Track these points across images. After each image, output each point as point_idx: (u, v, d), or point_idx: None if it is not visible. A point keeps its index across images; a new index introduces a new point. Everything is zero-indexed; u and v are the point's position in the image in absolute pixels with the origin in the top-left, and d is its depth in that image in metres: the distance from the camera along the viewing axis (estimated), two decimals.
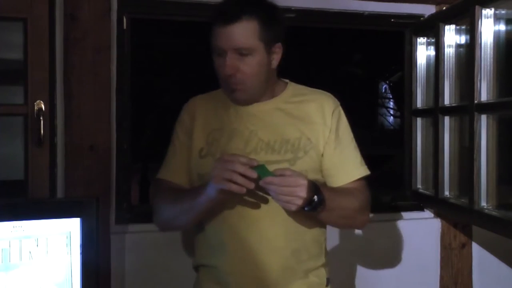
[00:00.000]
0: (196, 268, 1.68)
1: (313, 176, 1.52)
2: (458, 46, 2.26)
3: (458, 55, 2.26)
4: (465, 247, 2.53)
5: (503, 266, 2.55)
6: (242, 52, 1.50)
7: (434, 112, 2.29)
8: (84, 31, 2.05)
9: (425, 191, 2.45)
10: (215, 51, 1.54)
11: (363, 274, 2.44)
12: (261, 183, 1.39)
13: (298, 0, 2.33)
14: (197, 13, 2.28)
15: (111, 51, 2.11)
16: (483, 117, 1.97)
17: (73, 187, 2.03)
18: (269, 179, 1.39)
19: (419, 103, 2.48)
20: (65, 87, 2.03)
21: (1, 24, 1.99)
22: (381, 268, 2.47)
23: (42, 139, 1.92)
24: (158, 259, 2.21)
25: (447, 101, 2.24)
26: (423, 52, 2.48)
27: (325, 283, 1.64)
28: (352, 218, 1.60)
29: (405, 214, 2.50)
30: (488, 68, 1.96)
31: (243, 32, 1.49)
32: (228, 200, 1.49)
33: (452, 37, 2.26)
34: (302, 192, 1.39)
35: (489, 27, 1.96)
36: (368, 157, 1.66)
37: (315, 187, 1.45)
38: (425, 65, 2.48)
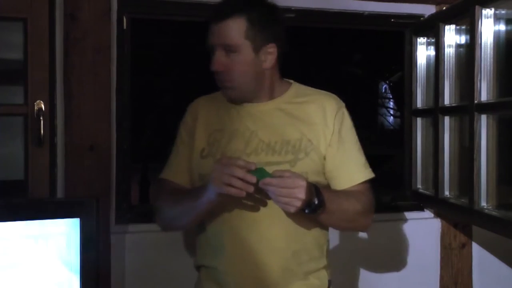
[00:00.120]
0: (198, 268, 1.68)
1: (314, 178, 1.51)
2: (458, 46, 2.26)
3: (458, 55, 2.26)
4: (465, 247, 2.52)
5: (503, 266, 2.55)
6: (229, 50, 1.52)
7: (434, 112, 2.29)
8: (84, 31, 2.05)
9: (425, 191, 2.45)
10: (208, 48, 1.58)
11: (363, 274, 2.44)
12: (260, 184, 1.39)
13: (298, 0, 2.33)
14: (197, 13, 2.28)
15: (111, 51, 2.11)
16: (483, 117, 1.97)
17: (73, 187, 2.03)
18: (267, 180, 1.38)
19: (419, 103, 2.48)
20: (65, 87, 2.03)
21: (1, 24, 1.99)
22: (381, 268, 2.46)
23: (42, 139, 1.92)
24: (158, 259, 2.21)
25: (447, 101, 2.24)
26: (423, 52, 2.48)
27: (326, 285, 1.63)
28: (354, 221, 1.59)
29: (405, 214, 2.50)
30: (488, 68, 1.96)
31: (230, 30, 1.51)
32: (229, 201, 1.49)
33: (452, 37, 2.26)
34: (301, 194, 1.37)
35: (489, 27, 1.96)
36: (368, 157, 1.66)
37: (316, 189, 1.44)
38: (425, 65, 2.48)
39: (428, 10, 2.47)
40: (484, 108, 1.96)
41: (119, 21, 2.16)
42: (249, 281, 1.55)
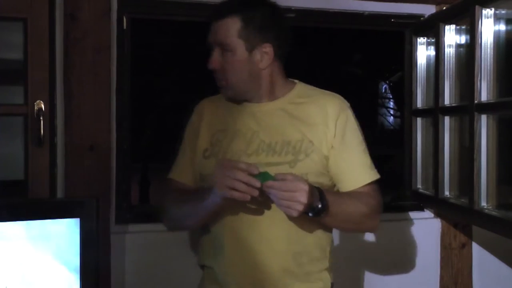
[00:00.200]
0: (202, 267, 1.69)
1: (314, 179, 1.51)
2: (458, 46, 2.26)
3: (458, 55, 2.26)
4: (465, 247, 2.52)
5: (503, 266, 2.55)
6: (223, 48, 1.55)
7: (434, 112, 2.29)
8: (84, 31, 2.05)
9: (425, 191, 2.45)
10: (208, 47, 1.60)
11: (363, 274, 2.44)
12: (262, 187, 1.39)
13: (298, 0, 2.33)
14: (197, 13, 2.28)
15: (111, 51, 2.11)
16: (483, 117, 1.97)
17: (73, 187, 2.03)
18: (269, 183, 1.38)
19: (419, 103, 2.48)
20: (65, 87, 2.03)
21: (1, 24, 1.99)
22: (381, 268, 2.46)
23: (42, 139, 1.92)
24: (158, 259, 2.21)
25: (447, 101, 2.24)
26: (423, 52, 2.48)
27: (329, 287, 1.62)
28: (360, 223, 1.59)
29: (405, 214, 2.50)
30: (488, 68, 1.96)
31: (224, 29, 1.54)
32: (233, 204, 1.49)
33: (452, 37, 2.26)
34: (303, 197, 1.37)
35: (489, 27, 1.96)
36: None
37: (319, 193, 1.43)
38: (425, 65, 2.48)
39: (428, 10, 2.47)
40: (484, 108, 1.96)
41: (119, 21, 2.16)
42: (248, 282, 1.55)
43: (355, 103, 1.71)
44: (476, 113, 1.98)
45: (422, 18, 2.47)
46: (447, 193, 2.25)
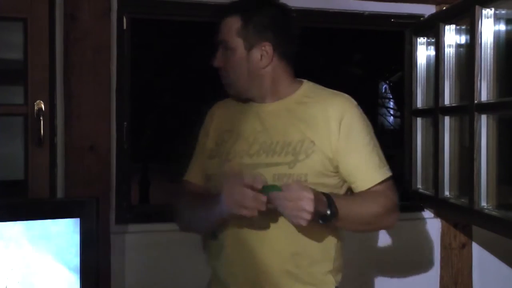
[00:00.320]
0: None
1: (314, 179, 1.50)
2: (458, 46, 2.26)
3: (458, 55, 2.26)
4: (465, 247, 2.52)
5: (503, 266, 2.54)
6: (225, 47, 1.58)
7: (434, 112, 2.29)
8: (84, 31, 2.05)
9: (425, 191, 2.45)
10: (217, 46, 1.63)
11: (363, 273, 2.43)
12: (269, 198, 1.39)
13: (298, 0, 2.33)
14: (197, 13, 2.28)
15: (111, 51, 2.11)
16: (483, 117, 1.97)
17: (73, 187, 2.03)
18: (275, 194, 1.39)
19: (419, 103, 2.48)
20: (65, 87, 2.03)
21: (1, 24, 1.99)
22: (381, 268, 2.47)
23: (42, 139, 1.92)
24: (158, 259, 2.21)
25: (447, 101, 2.24)
26: (423, 52, 2.48)
27: None
28: (373, 223, 1.58)
29: (405, 214, 2.49)
30: (488, 68, 1.96)
31: (226, 27, 1.57)
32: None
33: (452, 37, 2.26)
34: (308, 206, 1.36)
35: (489, 27, 1.96)
36: None
37: (327, 199, 1.43)
38: (425, 65, 2.47)
39: (428, 10, 2.47)
40: (484, 108, 1.96)
41: (119, 21, 2.16)
42: (249, 282, 1.55)
43: None
44: (476, 113, 1.98)
45: (422, 18, 2.47)
46: (447, 193, 2.25)
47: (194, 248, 2.20)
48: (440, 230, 2.51)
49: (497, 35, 1.97)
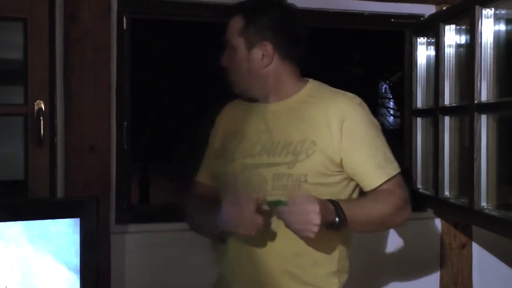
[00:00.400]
0: None
1: (314, 180, 1.50)
2: (458, 46, 2.26)
3: (458, 55, 2.25)
4: (465, 247, 2.52)
5: (503, 266, 2.54)
6: (229, 46, 1.61)
7: (434, 112, 2.29)
8: (84, 31, 2.05)
9: (425, 191, 2.44)
10: None
11: (363, 273, 2.43)
12: (276, 214, 1.41)
13: (298, 0, 2.32)
14: (197, 13, 2.28)
15: (111, 51, 2.11)
16: (483, 117, 1.97)
17: (73, 187, 2.03)
18: (280, 209, 1.39)
19: (419, 103, 2.48)
20: (65, 87, 2.03)
21: (1, 24, 1.99)
22: (381, 268, 2.46)
23: (42, 139, 1.92)
24: (158, 259, 2.21)
25: (447, 101, 2.24)
26: (423, 52, 2.48)
27: None
28: (384, 223, 1.58)
29: None
30: (488, 68, 1.96)
31: (230, 27, 1.61)
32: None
33: (452, 37, 2.26)
34: (315, 219, 1.36)
35: (489, 27, 1.96)
36: None
37: (335, 206, 1.42)
38: (425, 65, 2.47)
39: (428, 10, 2.46)
40: (484, 108, 1.96)
41: (119, 21, 2.16)
42: (251, 283, 1.55)
43: None
44: (476, 113, 1.97)
45: (422, 18, 2.47)
46: (447, 193, 2.25)
47: (194, 248, 2.21)
48: (440, 230, 2.51)
49: (497, 35, 1.97)
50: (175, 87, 9.95)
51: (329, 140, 1.53)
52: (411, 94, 2.51)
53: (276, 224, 1.51)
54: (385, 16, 2.46)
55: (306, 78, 1.67)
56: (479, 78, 1.96)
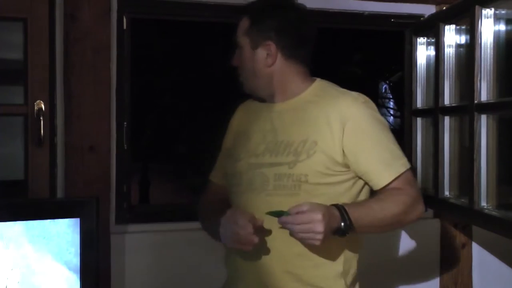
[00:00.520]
0: None
1: (315, 180, 1.50)
2: (458, 46, 2.26)
3: (458, 55, 2.25)
4: (465, 247, 2.52)
5: (503, 266, 2.54)
6: (237, 46, 1.63)
7: (434, 112, 2.29)
8: (84, 31, 2.05)
9: (425, 191, 2.44)
10: None
11: (362, 273, 2.43)
12: (278, 222, 1.40)
13: (298, 0, 2.32)
14: (197, 13, 2.28)
15: (111, 51, 2.11)
16: (483, 117, 1.97)
17: (73, 187, 2.03)
18: (283, 219, 1.38)
19: (419, 103, 2.48)
20: (65, 87, 2.03)
21: (1, 24, 1.99)
22: (381, 268, 2.46)
23: (42, 139, 1.92)
24: (158, 259, 2.21)
25: (447, 101, 2.24)
26: (423, 52, 2.48)
27: None
28: (395, 223, 1.55)
29: None
30: (488, 68, 1.96)
31: (238, 28, 1.63)
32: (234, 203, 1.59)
33: (452, 37, 2.26)
34: (319, 228, 1.35)
35: (489, 27, 1.96)
36: None
37: (340, 212, 1.41)
38: (425, 65, 2.47)
39: (428, 10, 2.46)
40: (484, 108, 1.96)
41: (119, 21, 2.16)
42: (254, 284, 1.56)
43: None
44: (476, 113, 1.97)
45: (422, 18, 2.47)
46: (447, 193, 2.25)
47: (194, 248, 2.21)
48: (440, 230, 2.51)
49: (497, 35, 1.97)
50: (175, 87, 9.95)
51: (331, 140, 1.52)
52: (411, 94, 2.51)
53: (276, 223, 1.51)
54: (385, 16, 2.46)
55: (314, 78, 1.66)
56: (479, 78, 1.96)
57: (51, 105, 1.96)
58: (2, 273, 1.42)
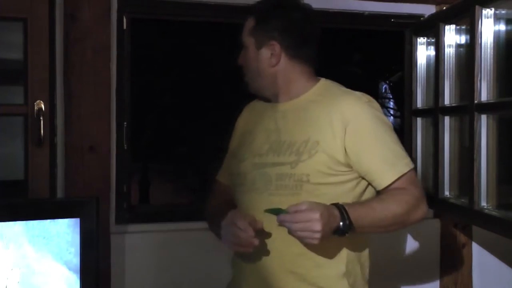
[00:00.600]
0: None
1: (317, 179, 1.50)
2: (458, 46, 2.26)
3: (458, 55, 2.25)
4: (465, 247, 2.52)
5: (503, 266, 2.54)
6: (243, 46, 1.64)
7: (434, 112, 2.29)
8: (84, 31, 2.05)
9: (425, 191, 2.44)
10: None
11: None
12: (277, 221, 1.40)
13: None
14: (197, 13, 2.28)
15: (111, 51, 2.11)
16: (483, 117, 1.97)
17: (73, 187, 2.03)
18: (281, 217, 1.38)
19: (419, 103, 2.48)
20: (65, 87, 2.03)
21: (1, 24, 1.99)
22: (381, 268, 2.46)
23: (42, 139, 1.92)
24: (158, 259, 2.21)
25: (447, 101, 2.24)
26: (423, 52, 2.48)
27: None
28: (397, 223, 1.54)
29: None
30: (488, 68, 1.96)
31: (244, 27, 1.64)
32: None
33: (452, 37, 2.26)
34: (316, 226, 1.34)
35: (489, 27, 1.96)
36: None
37: (341, 212, 1.40)
38: (425, 65, 2.47)
39: (428, 10, 2.46)
40: (484, 108, 1.96)
41: (119, 21, 2.16)
42: (257, 283, 1.56)
43: None
44: (476, 113, 1.98)
45: (422, 18, 2.47)
46: (447, 193, 2.25)
47: (194, 248, 2.21)
48: (440, 230, 2.51)
49: (497, 35, 1.97)
50: (175, 87, 9.95)
51: (333, 139, 1.52)
52: (411, 94, 2.51)
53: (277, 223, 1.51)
54: (385, 16, 2.46)
55: (319, 78, 1.67)
56: (479, 78, 1.96)
57: (51, 105, 1.96)
58: (2, 273, 1.42)
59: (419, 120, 2.49)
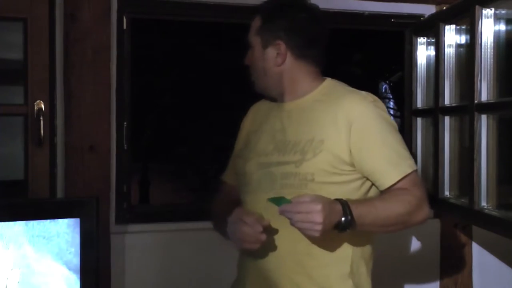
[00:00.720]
0: None
1: (322, 178, 1.50)
2: (458, 46, 2.26)
3: (458, 55, 2.25)
4: (465, 247, 2.52)
5: (503, 266, 2.54)
6: (250, 45, 1.65)
7: (434, 112, 2.29)
8: (84, 31, 2.05)
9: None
10: None
11: None
12: (278, 211, 1.39)
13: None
14: (197, 13, 2.28)
15: (111, 51, 2.11)
16: (483, 117, 1.97)
17: (73, 187, 2.03)
18: (283, 207, 1.38)
19: (419, 103, 2.48)
20: (65, 87, 2.03)
21: (1, 24, 1.99)
22: (381, 268, 2.46)
23: (42, 139, 1.92)
24: (158, 259, 2.21)
25: (447, 101, 2.24)
26: (423, 52, 2.48)
27: None
28: (399, 223, 1.54)
29: None
30: (488, 68, 1.96)
31: (251, 27, 1.65)
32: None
33: (452, 37, 2.26)
34: (318, 218, 1.34)
35: (489, 27, 1.96)
36: None
37: (344, 207, 1.40)
38: (425, 65, 2.47)
39: (428, 10, 2.47)
40: (484, 108, 1.96)
41: (119, 21, 2.16)
42: (261, 282, 1.56)
43: None
44: (476, 113, 1.98)
45: (422, 18, 2.47)
46: (447, 193, 2.25)
47: (194, 248, 2.21)
48: (440, 230, 2.51)
49: (497, 35, 1.97)
50: (175, 87, 9.95)
51: (337, 139, 1.52)
52: (411, 94, 2.51)
53: (283, 223, 1.50)
54: (385, 16, 2.46)
55: (325, 77, 1.67)
56: (479, 78, 1.96)
57: (51, 105, 1.96)
58: (2, 273, 1.42)
59: (419, 120, 2.49)
